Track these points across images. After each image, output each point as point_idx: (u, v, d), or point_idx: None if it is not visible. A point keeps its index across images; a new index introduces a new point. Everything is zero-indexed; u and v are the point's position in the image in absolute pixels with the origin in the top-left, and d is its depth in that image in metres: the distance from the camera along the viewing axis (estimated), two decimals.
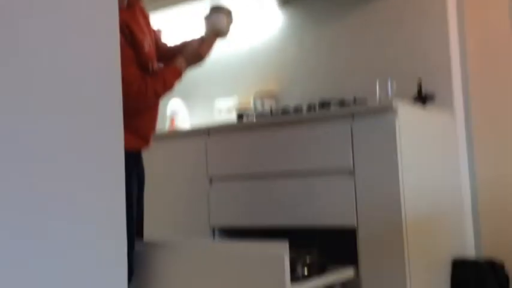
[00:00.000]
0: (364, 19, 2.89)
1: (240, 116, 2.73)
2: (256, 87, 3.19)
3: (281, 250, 1.67)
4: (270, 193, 2.36)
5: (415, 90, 2.63)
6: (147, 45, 1.96)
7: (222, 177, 2.53)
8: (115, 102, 0.95)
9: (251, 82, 3.23)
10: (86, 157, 0.89)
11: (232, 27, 2.17)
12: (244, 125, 2.54)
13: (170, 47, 2.23)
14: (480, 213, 2.67)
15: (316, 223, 2.24)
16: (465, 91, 2.73)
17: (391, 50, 2.79)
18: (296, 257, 1.92)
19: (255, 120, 2.57)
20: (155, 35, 2.17)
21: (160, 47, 2.18)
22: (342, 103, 2.42)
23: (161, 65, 2.11)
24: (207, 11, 2.17)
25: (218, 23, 2.12)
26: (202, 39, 2.12)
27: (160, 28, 3.31)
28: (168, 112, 3.26)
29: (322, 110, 2.40)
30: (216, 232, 2.55)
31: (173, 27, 3.46)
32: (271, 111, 2.76)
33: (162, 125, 3.09)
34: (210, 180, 2.57)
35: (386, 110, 2.11)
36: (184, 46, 2.15)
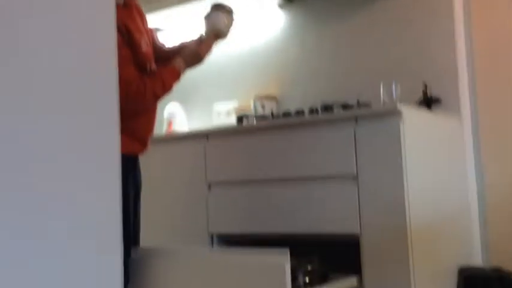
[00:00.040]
0: (367, 19, 2.88)
1: (239, 119, 2.72)
2: (256, 89, 3.17)
3: (282, 259, 1.63)
4: (271, 199, 2.35)
5: (420, 94, 2.63)
6: (145, 45, 1.95)
7: (221, 182, 2.53)
8: (112, 102, 0.98)
9: (251, 84, 3.22)
10: (82, 157, 0.92)
11: (233, 27, 2.15)
12: (244, 128, 2.53)
13: (168, 49, 2.21)
14: (488, 220, 2.65)
15: (317, 231, 2.23)
16: (472, 94, 2.72)
17: (396, 51, 2.78)
18: (297, 265, 1.92)
19: (255, 123, 2.56)
20: (152, 35, 2.15)
21: (157, 48, 2.16)
22: (345, 106, 2.42)
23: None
24: (207, 11, 2.15)
25: (218, 22, 2.09)
26: (200, 40, 2.10)
27: (160, 27, 3.30)
28: (166, 115, 3.26)
29: (325, 113, 2.40)
30: (215, 239, 2.55)
31: (173, 27, 3.44)
32: (272, 114, 2.78)
33: (159, 128, 3.09)
34: (209, 186, 2.55)
35: (391, 113, 2.10)
36: (182, 48, 2.13)
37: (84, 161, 0.91)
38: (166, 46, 2.22)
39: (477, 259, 2.63)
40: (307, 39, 3.07)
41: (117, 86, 0.98)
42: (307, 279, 1.96)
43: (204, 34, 2.10)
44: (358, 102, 2.44)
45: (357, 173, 2.14)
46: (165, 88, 1.95)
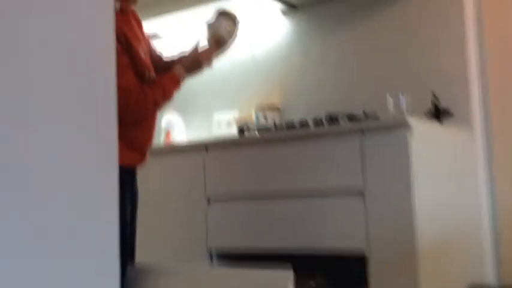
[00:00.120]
0: (374, 27, 2.87)
1: (240, 130, 2.68)
2: (258, 99, 3.15)
3: (285, 278, 1.62)
4: (272, 214, 2.34)
5: (428, 104, 2.59)
6: (143, 53, 1.93)
7: (221, 196, 2.51)
8: (112, 101, 0.99)
9: (253, 93, 3.20)
10: (78, 162, 0.92)
11: (236, 35, 2.11)
12: (245, 140, 2.51)
13: (166, 59, 2.18)
14: (500, 237, 2.61)
15: (322, 248, 2.21)
16: (484, 105, 2.67)
17: (403, 60, 2.76)
18: (300, 283, 1.84)
19: (257, 134, 2.54)
20: (149, 42, 2.13)
21: (155, 57, 2.13)
22: (351, 117, 2.39)
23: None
24: (209, 17, 2.12)
25: (219, 28, 2.06)
26: (196, 46, 2.07)
27: (158, 34, 3.27)
28: (163, 124, 3.23)
29: (331, 124, 2.38)
30: (214, 255, 2.53)
31: (170, 34, 3.43)
32: (274, 125, 2.75)
33: (157, 138, 3.07)
34: (208, 200, 2.54)
35: (399, 125, 2.09)
36: (181, 58, 2.10)
37: (79, 173, 0.91)
38: (164, 56, 2.19)
39: (489, 277, 2.59)
40: (311, 47, 3.05)
41: (115, 87, 0.98)
42: None
43: (200, 41, 2.07)
44: (364, 112, 2.41)
45: (364, 187, 2.13)
46: (166, 96, 1.93)
